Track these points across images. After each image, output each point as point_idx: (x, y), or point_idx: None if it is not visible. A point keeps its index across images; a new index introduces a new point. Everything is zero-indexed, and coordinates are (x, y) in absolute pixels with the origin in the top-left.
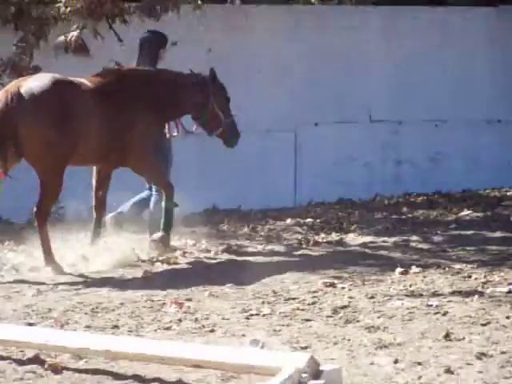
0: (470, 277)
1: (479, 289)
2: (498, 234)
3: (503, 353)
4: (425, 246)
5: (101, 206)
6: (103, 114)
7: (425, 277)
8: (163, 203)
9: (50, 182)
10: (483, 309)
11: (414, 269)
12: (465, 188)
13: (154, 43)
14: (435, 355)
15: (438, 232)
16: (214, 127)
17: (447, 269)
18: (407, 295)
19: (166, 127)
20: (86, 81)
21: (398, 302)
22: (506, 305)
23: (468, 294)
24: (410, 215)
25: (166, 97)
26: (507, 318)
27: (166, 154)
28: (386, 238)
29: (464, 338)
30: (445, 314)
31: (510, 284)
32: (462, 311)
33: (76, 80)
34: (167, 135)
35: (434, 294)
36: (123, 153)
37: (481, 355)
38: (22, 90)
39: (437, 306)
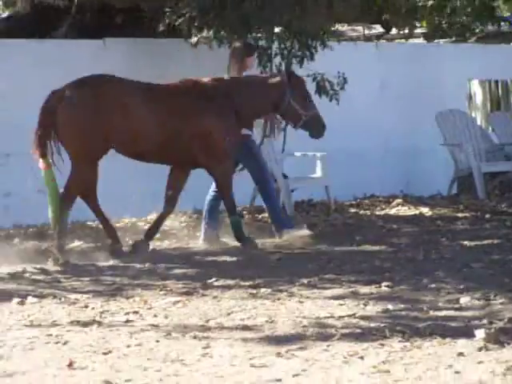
0: (86, 306)
1: (97, 318)
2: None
3: (128, 381)
4: (40, 277)
5: (169, 206)
6: (160, 114)
7: (42, 307)
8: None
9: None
10: (103, 338)
11: (31, 299)
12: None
13: (241, 52)
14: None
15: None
16: (296, 121)
17: (63, 299)
18: (26, 325)
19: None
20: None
21: (18, 331)
22: (125, 334)
23: (87, 323)
24: None
25: (243, 100)
26: (127, 346)
27: (249, 152)
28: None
29: (87, 367)
30: (65, 343)
31: (126, 313)
32: (82, 340)
33: (129, 80)
34: (254, 137)
35: (53, 324)
36: (192, 154)
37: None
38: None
39: (57, 336)
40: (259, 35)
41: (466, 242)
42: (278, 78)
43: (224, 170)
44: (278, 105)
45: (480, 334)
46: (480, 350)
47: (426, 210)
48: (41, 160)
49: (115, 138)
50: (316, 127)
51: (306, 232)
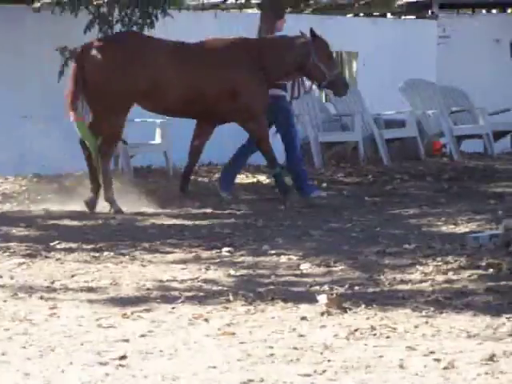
0: None
1: None
2: None
3: None
4: None
5: (194, 156)
6: (186, 72)
7: None
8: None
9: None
10: None
11: None
12: None
13: (271, 15)
14: None
15: None
16: (320, 81)
17: None
18: None
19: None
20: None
21: None
22: None
23: None
24: None
25: (268, 59)
26: None
27: (283, 114)
28: None
29: None
30: None
31: None
32: None
33: (153, 37)
34: (287, 96)
35: None
36: (219, 111)
37: None
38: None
39: None
40: (100, 2)
41: (304, 210)
42: (302, 39)
43: (258, 125)
44: (304, 64)
45: (322, 299)
46: (322, 314)
47: (263, 178)
48: (72, 113)
49: (142, 95)
50: (340, 86)
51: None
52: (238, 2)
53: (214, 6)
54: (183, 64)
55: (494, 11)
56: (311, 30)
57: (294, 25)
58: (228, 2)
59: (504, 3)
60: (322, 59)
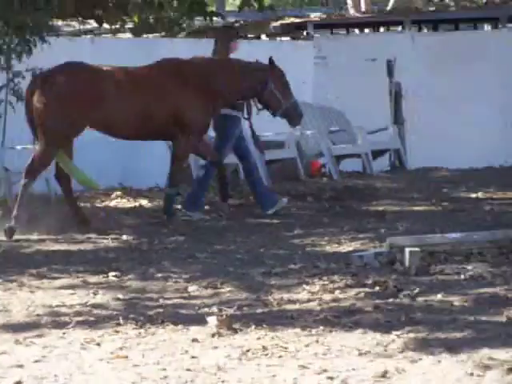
0: None
1: None
2: None
3: None
4: None
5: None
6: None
7: None
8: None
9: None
10: None
11: None
12: None
13: (224, 36)
14: None
15: None
16: (275, 109)
17: None
18: None
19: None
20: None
21: None
22: None
23: None
24: None
25: (222, 82)
26: None
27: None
28: None
29: None
30: None
31: None
32: None
33: (98, 66)
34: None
35: None
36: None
37: None
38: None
39: None
40: None
41: (188, 233)
42: (262, 65)
43: (186, 144)
44: (261, 91)
45: (212, 320)
46: (213, 336)
47: (145, 202)
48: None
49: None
50: (295, 116)
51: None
52: (113, 27)
53: (87, 32)
54: (130, 90)
55: (366, 31)
56: (270, 59)
57: (171, 48)
58: (102, 28)
59: (376, 22)
60: (279, 87)
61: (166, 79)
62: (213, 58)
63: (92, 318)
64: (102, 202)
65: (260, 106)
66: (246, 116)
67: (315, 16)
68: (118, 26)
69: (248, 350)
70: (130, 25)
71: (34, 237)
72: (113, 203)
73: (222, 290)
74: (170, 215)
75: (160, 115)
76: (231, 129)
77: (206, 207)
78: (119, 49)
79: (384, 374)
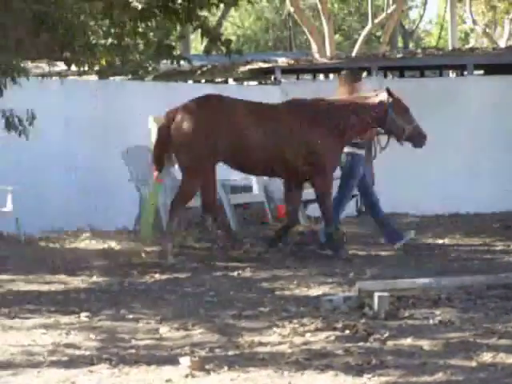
0: None
1: None
2: None
3: None
4: None
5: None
6: (260, 131)
7: None
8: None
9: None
10: None
11: None
12: None
13: (350, 78)
14: None
15: None
16: (400, 135)
17: None
18: None
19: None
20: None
21: None
22: None
23: None
24: None
25: (344, 120)
26: None
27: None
28: None
29: None
30: None
31: None
32: None
33: (231, 99)
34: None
35: None
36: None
37: None
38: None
39: None
40: None
41: (157, 275)
42: (379, 96)
43: (325, 181)
44: (383, 121)
45: (185, 361)
46: (187, 376)
47: (114, 244)
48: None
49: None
50: (418, 138)
51: None
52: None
53: (53, 74)
54: (262, 126)
55: (331, 76)
56: (387, 89)
57: (137, 91)
58: (69, 71)
59: (343, 68)
60: (400, 113)
61: (301, 119)
62: (337, 99)
63: (65, 358)
64: (72, 243)
65: (383, 145)
66: (373, 155)
67: (282, 61)
68: (86, 69)
69: None
70: (97, 67)
71: (5, 277)
72: (82, 244)
73: (193, 332)
74: (336, 249)
75: (294, 154)
76: (357, 167)
77: (175, 250)
78: (86, 89)
79: None
